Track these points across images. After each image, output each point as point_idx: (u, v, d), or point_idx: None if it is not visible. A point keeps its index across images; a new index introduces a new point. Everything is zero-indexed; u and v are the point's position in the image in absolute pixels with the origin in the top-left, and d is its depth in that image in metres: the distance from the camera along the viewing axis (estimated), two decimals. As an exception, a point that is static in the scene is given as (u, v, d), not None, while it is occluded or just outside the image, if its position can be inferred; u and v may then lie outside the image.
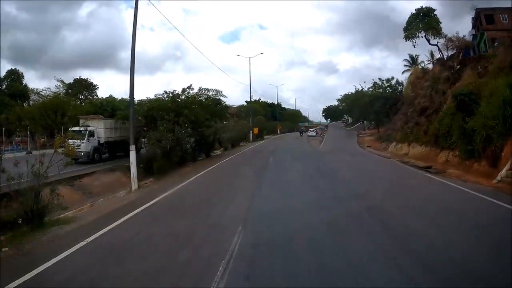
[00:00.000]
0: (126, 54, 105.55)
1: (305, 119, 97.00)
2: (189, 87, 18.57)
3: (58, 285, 4.11)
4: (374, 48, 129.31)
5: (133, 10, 12.60)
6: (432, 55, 46.06)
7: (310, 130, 52.94)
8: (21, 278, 4.19)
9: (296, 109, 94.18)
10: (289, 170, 14.13)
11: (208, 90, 18.39)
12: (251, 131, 38.22)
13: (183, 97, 18.27)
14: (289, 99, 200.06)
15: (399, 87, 37.98)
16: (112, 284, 3.99)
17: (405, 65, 42.46)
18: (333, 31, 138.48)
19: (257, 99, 75.66)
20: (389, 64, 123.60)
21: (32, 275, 4.32)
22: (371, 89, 40.57)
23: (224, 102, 19.62)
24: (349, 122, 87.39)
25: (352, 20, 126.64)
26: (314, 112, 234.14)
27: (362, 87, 39.96)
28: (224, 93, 19.38)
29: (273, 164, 15.86)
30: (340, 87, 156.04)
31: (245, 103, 69.64)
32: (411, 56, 49.64)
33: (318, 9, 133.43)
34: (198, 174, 13.59)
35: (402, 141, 22.04)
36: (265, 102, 76.74)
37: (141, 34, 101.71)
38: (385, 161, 17.52)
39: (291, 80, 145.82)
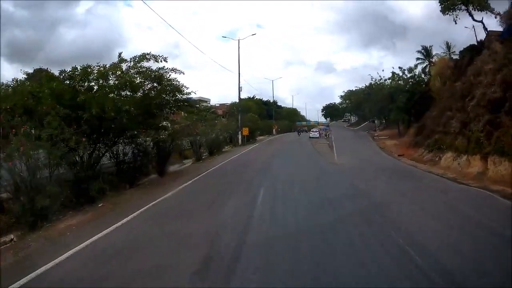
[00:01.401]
0: (123, 52, 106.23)
1: (303, 118, 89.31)
2: (120, 58, 10.33)
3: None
4: (372, 47, 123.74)
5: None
6: (448, 46, 40.67)
7: (312, 131, 44.52)
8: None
9: (293, 107, 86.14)
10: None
11: (143, 57, 9.97)
12: (239, 132, 30.01)
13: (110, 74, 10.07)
14: (286, 98, 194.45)
15: (425, 77, 30.15)
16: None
17: (417, 58, 35.89)
18: (331, 31, 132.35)
19: (251, 97, 68.44)
20: (387, 64, 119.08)
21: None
22: (388, 81, 32.83)
23: (176, 80, 10.97)
24: (352, 121, 79.92)
25: (350, 20, 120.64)
26: (311, 111, 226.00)
27: (381, 77, 31.98)
28: (177, 66, 11.14)
29: (264, 216, 6.72)
30: (337, 86, 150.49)
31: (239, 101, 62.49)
32: (424, 48, 43.81)
33: (316, 8, 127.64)
34: (87, 241, 5.49)
35: (469, 152, 14.12)
36: (260, 100, 69.46)
37: (139, 32, 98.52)
38: (472, 194, 9.46)
39: (288, 79, 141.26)
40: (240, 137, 29.92)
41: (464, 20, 26.04)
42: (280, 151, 23.14)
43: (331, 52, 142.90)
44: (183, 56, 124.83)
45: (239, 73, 31.67)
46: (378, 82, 32.61)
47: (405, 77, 31.91)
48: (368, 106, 37.31)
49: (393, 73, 32.56)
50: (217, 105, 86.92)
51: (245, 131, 29.79)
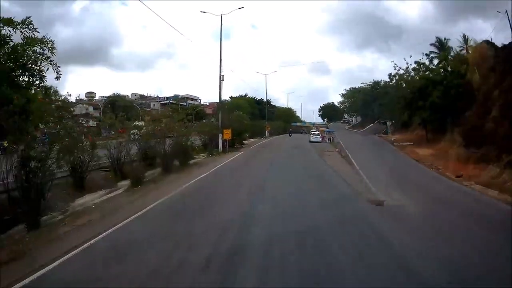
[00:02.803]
0: (118, 51, 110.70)
1: (298, 119, 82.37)
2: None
3: None
4: (366, 49, 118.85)
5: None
6: (465, 39, 33.59)
7: (313, 134, 36.62)
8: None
9: (288, 107, 78.80)
10: None
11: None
12: (220, 136, 22.59)
13: None
14: (280, 99, 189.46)
15: (462, 67, 23.17)
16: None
17: (430, 51, 30.51)
18: (326, 32, 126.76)
19: (243, 95, 61.44)
20: (381, 66, 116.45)
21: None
22: (412, 72, 25.87)
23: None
24: (354, 122, 73.05)
25: (344, 21, 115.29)
26: (306, 112, 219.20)
27: (408, 64, 24.84)
28: None
29: None
30: (332, 87, 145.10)
31: (229, 98, 55.60)
32: (439, 40, 38.14)
33: (312, 9, 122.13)
34: None
35: None
36: (253, 99, 62.45)
37: (134, 30, 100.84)
38: None
39: (282, 80, 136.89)
40: (220, 141, 22.53)
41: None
42: (273, 169, 15.22)
43: (326, 54, 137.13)
44: (179, 55, 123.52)
45: (220, 56, 24.23)
46: (403, 72, 25.40)
47: (433, 68, 25.04)
48: (389, 103, 30.06)
49: (418, 62, 25.56)
50: (206, 103, 79.89)
51: (227, 134, 22.23)
